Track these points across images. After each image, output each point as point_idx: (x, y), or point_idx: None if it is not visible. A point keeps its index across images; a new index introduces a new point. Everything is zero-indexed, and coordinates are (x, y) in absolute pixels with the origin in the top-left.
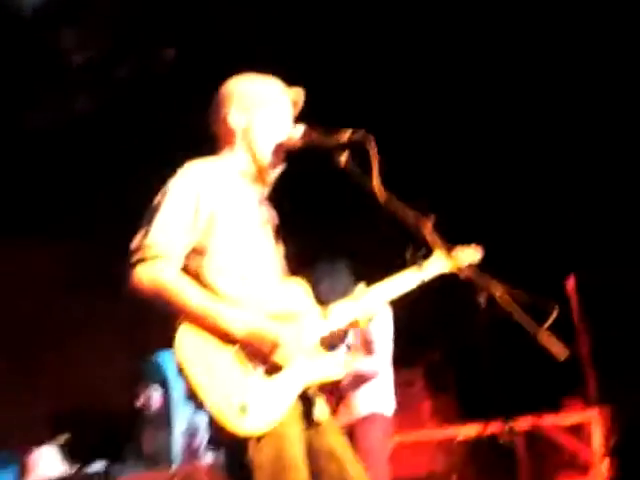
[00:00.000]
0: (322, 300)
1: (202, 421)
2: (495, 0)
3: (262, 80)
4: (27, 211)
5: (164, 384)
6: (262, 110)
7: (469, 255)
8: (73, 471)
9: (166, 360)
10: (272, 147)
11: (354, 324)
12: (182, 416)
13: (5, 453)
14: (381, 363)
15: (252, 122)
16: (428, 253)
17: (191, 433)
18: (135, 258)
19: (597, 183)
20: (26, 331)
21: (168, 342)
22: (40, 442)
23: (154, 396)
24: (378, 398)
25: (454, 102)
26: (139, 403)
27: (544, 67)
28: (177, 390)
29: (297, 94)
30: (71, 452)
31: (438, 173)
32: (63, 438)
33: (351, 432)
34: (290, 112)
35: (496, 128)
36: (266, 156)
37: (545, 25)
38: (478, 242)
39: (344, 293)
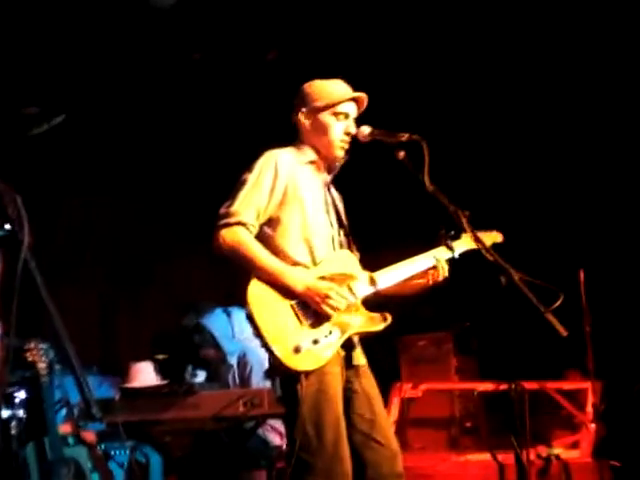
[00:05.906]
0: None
1: (251, 357)
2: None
3: (331, 85)
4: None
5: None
6: (328, 111)
7: (492, 237)
8: (165, 382)
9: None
10: (336, 142)
11: (392, 289)
12: (234, 353)
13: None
14: None
15: (318, 121)
16: (457, 235)
17: (242, 365)
18: (221, 222)
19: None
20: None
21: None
22: (142, 358)
23: (210, 351)
24: None
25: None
26: (201, 355)
27: (565, 62)
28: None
29: (361, 98)
30: (165, 369)
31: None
32: (160, 357)
33: None
34: (354, 113)
35: (519, 129)
36: (330, 150)
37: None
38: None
39: None
